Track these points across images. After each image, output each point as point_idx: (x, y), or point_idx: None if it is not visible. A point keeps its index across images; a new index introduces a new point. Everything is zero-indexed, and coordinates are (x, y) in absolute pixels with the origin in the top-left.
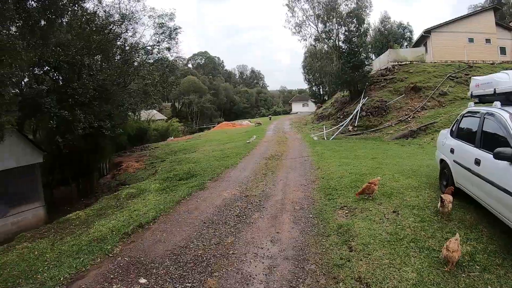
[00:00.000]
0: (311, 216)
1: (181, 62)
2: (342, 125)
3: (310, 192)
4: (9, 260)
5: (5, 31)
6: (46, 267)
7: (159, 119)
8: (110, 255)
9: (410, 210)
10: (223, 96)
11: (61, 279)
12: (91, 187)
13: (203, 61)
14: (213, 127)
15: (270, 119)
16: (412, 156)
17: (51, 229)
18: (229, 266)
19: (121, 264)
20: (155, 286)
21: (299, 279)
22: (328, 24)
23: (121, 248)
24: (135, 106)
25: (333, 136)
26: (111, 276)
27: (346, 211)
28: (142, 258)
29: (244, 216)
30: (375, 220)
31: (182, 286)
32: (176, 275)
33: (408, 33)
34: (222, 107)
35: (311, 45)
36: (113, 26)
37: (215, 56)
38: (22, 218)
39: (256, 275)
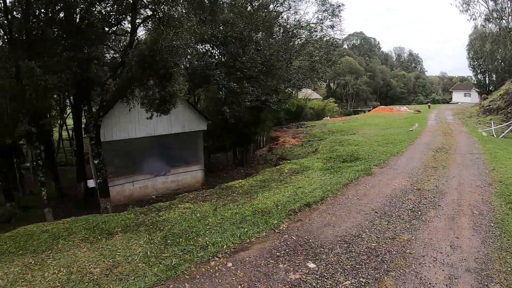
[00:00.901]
0: (492, 225)
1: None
2: None
3: (488, 196)
4: (171, 218)
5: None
6: (208, 231)
7: (315, 98)
8: (277, 230)
9: None
10: (379, 79)
11: (224, 247)
12: (248, 157)
13: (358, 42)
14: (369, 110)
15: (429, 107)
16: None
17: (213, 194)
18: (406, 267)
19: (288, 243)
20: (325, 274)
21: None
22: (499, 1)
23: (287, 225)
24: (301, 82)
25: (503, 133)
26: (277, 253)
27: None
28: (310, 240)
29: (419, 212)
30: None
31: (356, 280)
32: (348, 266)
33: None
34: (377, 91)
35: (480, 26)
36: (276, 4)
37: (371, 37)
38: (181, 178)
39: (436, 284)
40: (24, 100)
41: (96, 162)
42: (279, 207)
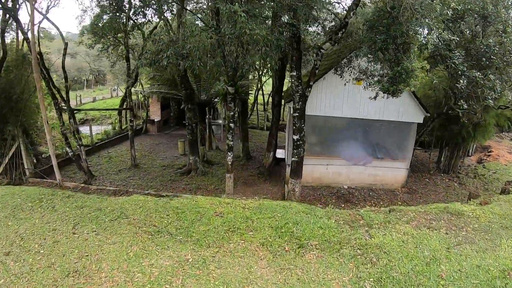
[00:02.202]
0: None
1: None
2: None
3: None
4: (387, 246)
5: None
6: None
7: None
8: None
9: None
10: None
11: None
12: (455, 164)
13: None
14: None
15: None
16: None
17: (440, 219)
18: None
19: None
20: None
21: None
22: None
23: None
24: None
25: None
26: None
27: None
28: None
29: None
30: None
31: None
32: None
33: None
34: None
35: None
36: None
37: None
38: (380, 173)
39: None
40: (223, 55)
41: (295, 137)
42: None
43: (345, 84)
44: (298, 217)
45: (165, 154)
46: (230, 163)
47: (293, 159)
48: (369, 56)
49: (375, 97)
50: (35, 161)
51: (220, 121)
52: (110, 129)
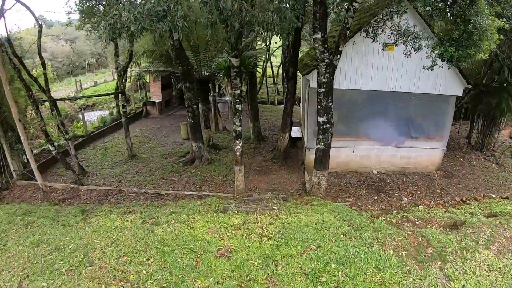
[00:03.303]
0: None
1: None
2: None
3: None
4: None
5: None
6: None
7: None
8: None
9: None
10: None
11: None
12: (490, 140)
13: None
14: None
15: None
16: None
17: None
18: None
19: None
20: None
21: None
22: None
23: None
24: None
25: None
26: None
27: None
28: None
29: None
30: None
31: None
32: None
33: None
34: None
35: None
36: None
37: None
38: (414, 155)
39: None
40: (220, 12)
41: (321, 120)
42: None
43: (383, 49)
44: (341, 249)
45: (167, 140)
46: (239, 153)
47: (318, 146)
48: (427, 9)
49: (431, 67)
50: (25, 159)
51: (227, 98)
52: (107, 115)
